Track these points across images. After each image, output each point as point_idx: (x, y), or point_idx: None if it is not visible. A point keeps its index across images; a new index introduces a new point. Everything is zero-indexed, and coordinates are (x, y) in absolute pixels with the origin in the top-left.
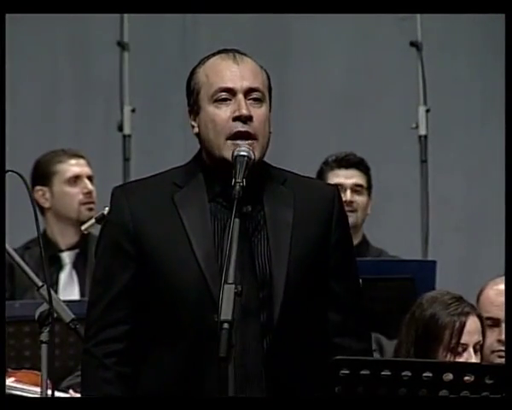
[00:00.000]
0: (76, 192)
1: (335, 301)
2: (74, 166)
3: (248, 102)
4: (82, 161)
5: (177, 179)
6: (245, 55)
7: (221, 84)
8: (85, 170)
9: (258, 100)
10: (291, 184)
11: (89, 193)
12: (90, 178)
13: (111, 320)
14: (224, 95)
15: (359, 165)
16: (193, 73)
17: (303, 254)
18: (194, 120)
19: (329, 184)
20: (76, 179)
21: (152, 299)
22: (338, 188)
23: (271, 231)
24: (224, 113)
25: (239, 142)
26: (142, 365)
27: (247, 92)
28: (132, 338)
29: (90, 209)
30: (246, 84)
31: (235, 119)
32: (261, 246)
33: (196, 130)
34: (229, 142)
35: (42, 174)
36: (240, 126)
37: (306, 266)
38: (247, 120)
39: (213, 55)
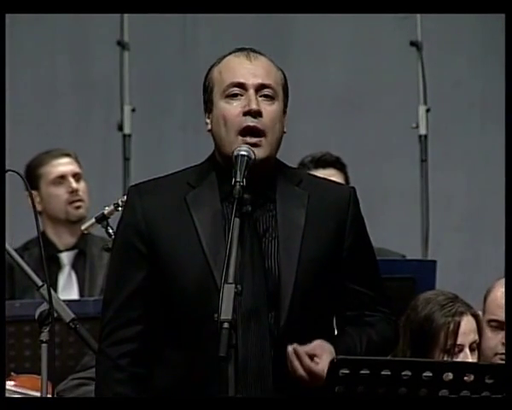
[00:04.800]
0: (61, 193)
1: (356, 301)
2: (57, 167)
3: (260, 98)
4: (66, 160)
5: (190, 179)
6: (260, 53)
7: (233, 79)
8: (70, 168)
9: (270, 97)
10: (306, 185)
11: (74, 191)
12: (76, 175)
13: (125, 320)
14: (235, 90)
15: (336, 164)
16: (209, 71)
17: (314, 256)
18: (208, 117)
19: (346, 186)
20: (61, 179)
21: (163, 298)
22: (354, 189)
23: (282, 233)
24: (234, 108)
25: (248, 138)
26: (154, 365)
27: (259, 88)
28: (145, 338)
29: (78, 207)
30: (257, 80)
31: (245, 113)
32: (271, 247)
33: (209, 127)
34: (239, 138)
35: (30, 178)
36: (249, 121)
37: (317, 269)
38: (256, 114)
39: (229, 53)
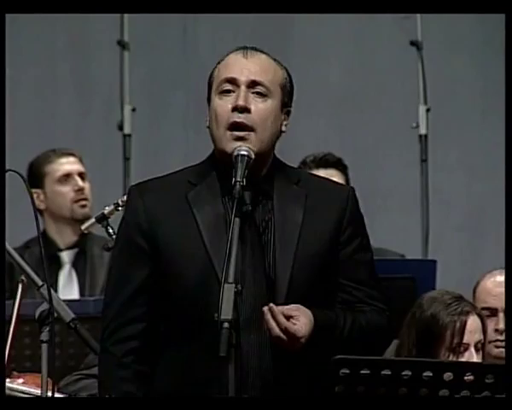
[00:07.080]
0: (67, 190)
1: (350, 297)
2: (64, 165)
3: (252, 95)
4: (72, 159)
5: (191, 178)
6: (261, 52)
7: (226, 74)
8: (75, 167)
9: (262, 94)
10: (305, 184)
11: (80, 190)
12: (81, 174)
13: (128, 318)
14: (227, 86)
15: (338, 164)
16: (213, 69)
17: (311, 254)
18: (207, 114)
19: (344, 185)
20: (67, 178)
21: (165, 296)
22: (353, 188)
23: (278, 232)
24: (225, 103)
25: (236, 133)
26: (157, 363)
27: (251, 85)
28: (148, 336)
29: (83, 206)
30: (250, 76)
31: (233, 109)
32: (269, 245)
33: (207, 123)
34: (228, 133)
35: (34, 177)
36: (236, 117)
37: (314, 267)
38: (243, 110)
39: (232, 51)
